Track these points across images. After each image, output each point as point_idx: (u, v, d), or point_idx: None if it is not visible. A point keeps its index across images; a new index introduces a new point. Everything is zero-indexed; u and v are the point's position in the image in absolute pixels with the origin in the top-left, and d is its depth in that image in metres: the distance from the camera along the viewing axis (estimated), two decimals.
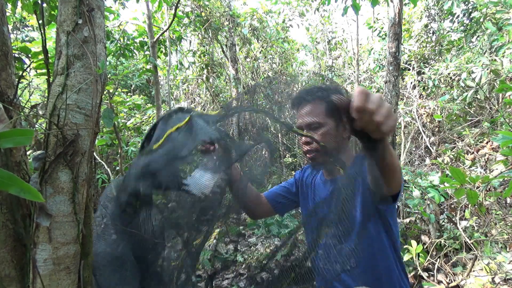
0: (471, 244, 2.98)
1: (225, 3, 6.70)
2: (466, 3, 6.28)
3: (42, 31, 0.97)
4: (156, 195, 0.82)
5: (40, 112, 1.12)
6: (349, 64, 10.34)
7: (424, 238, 3.34)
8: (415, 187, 3.29)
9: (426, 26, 6.84)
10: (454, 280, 2.88)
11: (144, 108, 5.37)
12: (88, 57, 0.84)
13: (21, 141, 0.56)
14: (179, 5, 4.68)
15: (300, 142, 1.21)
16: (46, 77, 0.92)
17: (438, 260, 3.07)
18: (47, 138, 0.79)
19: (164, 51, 5.00)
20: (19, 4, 2.17)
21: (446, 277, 2.95)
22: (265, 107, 1.21)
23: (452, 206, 3.53)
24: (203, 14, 6.07)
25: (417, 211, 3.42)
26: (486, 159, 3.92)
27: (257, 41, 7.81)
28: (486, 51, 5.22)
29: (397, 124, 4.65)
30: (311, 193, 1.31)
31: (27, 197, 0.55)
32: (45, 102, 0.87)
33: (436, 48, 6.78)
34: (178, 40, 5.36)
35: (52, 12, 1.93)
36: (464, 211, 3.34)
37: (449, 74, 5.07)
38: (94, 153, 1.02)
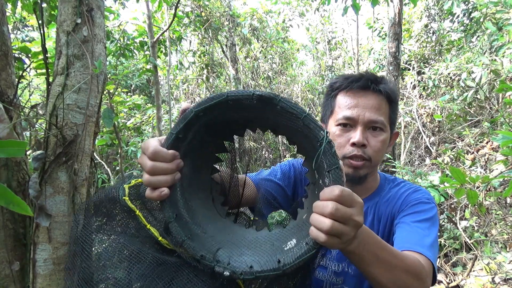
0: (471, 244, 2.98)
1: (225, 3, 6.70)
2: (466, 3, 6.28)
3: (42, 31, 0.97)
4: None
5: (40, 112, 1.12)
6: (349, 64, 10.34)
7: None
8: None
9: (426, 26, 6.84)
10: (454, 280, 2.88)
11: (144, 108, 5.37)
12: (88, 57, 0.84)
13: (13, 152, 0.56)
14: (179, 5, 4.68)
15: (339, 139, 0.91)
16: (46, 76, 0.92)
17: (438, 260, 3.07)
18: (47, 138, 0.79)
19: (164, 51, 5.00)
20: (19, 4, 2.17)
21: (446, 277, 2.95)
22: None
23: (452, 206, 3.53)
24: (203, 14, 6.07)
25: None
26: (486, 159, 3.92)
27: (257, 41, 7.82)
28: (486, 51, 5.22)
29: (397, 124, 4.65)
30: None
31: (16, 210, 0.55)
32: (45, 102, 0.87)
33: (436, 48, 6.78)
34: (178, 40, 5.36)
35: (52, 12, 1.93)
36: (464, 211, 3.34)
37: (449, 74, 5.07)
38: (94, 153, 1.02)
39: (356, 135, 0.88)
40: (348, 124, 0.92)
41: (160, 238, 0.70)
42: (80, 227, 0.72)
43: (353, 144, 0.89)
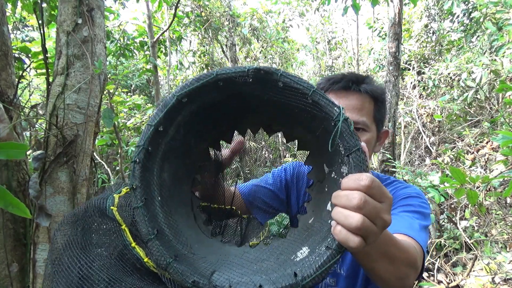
0: (471, 244, 2.98)
1: (225, 3, 6.70)
2: (466, 3, 6.28)
3: (42, 31, 0.97)
4: None
5: (40, 112, 1.12)
6: (349, 64, 10.34)
7: None
8: None
9: (426, 26, 6.84)
10: (454, 280, 2.88)
11: (144, 108, 5.37)
12: (88, 57, 0.84)
13: (14, 154, 0.56)
14: (179, 5, 4.68)
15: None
16: (46, 76, 0.92)
17: (438, 260, 3.07)
18: (47, 138, 0.79)
19: (164, 51, 5.00)
20: (19, 4, 2.17)
21: (446, 277, 2.95)
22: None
23: (452, 206, 3.53)
24: (203, 14, 6.07)
25: None
26: (486, 159, 3.92)
27: (257, 41, 7.82)
28: (486, 51, 5.22)
29: (397, 124, 4.65)
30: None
31: (15, 212, 0.55)
32: (45, 102, 0.87)
33: (436, 48, 6.78)
34: (178, 40, 5.36)
35: (52, 12, 1.93)
36: (464, 211, 3.34)
37: (449, 74, 5.07)
38: (94, 153, 1.01)
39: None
40: None
41: (146, 259, 0.58)
42: (59, 244, 0.61)
43: None
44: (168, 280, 0.55)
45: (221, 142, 0.71)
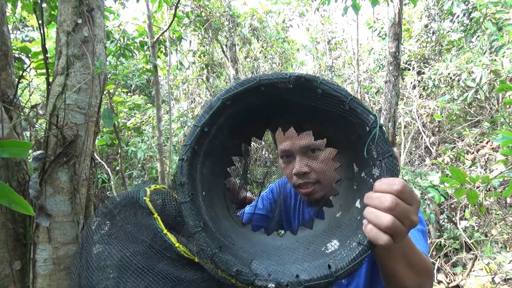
0: (471, 244, 2.98)
1: (225, 3, 6.70)
2: (466, 3, 6.28)
3: (42, 31, 0.97)
4: None
5: (40, 112, 1.12)
6: (349, 64, 10.34)
7: None
8: (415, 187, 3.29)
9: (426, 26, 6.84)
10: (454, 280, 2.88)
11: (144, 108, 5.37)
12: (88, 57, 0.84)
13: (17, 152, 0.56)
14: (179, 5, 4.68)
15: (285, 171, 0.91)
16: (46, 76, 0.92)
17: (438, 260, 3.07)
18: (47, 138, 0.79)
19: (164, 51, 5.00)
20: (19, 4, 2.17)
21: (446, 277, 2.95)
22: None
23: (452, 206, 3.53)
24: (203, 14, 6.07)
25: None
26: (486, 159, 3.92)
27: (257, 41, 7.81)
28: (486, 51, 5.21)
29: (397, 124, 4.65)
30: (299, 223, 1.04)
31: (18, 209, 0.55)
32: (45, 102, 0.87)
33: (436, 48, 6.78)
34: (178, 40, 5.36)
35: (52, 12, 1.93)
36: (464, 211, 3.34)
37: (449, 74, 5.07)
38: (94, 153, 1.02)
39: (295, 166, 0.87)
40: (287, 156, 0.91)
41: (177, 245, 0.62)
42: (86, 231, 0.65)
43: (296, 174, 0.88)
44: (209, 267, 0.58)
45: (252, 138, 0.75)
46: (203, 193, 0.60)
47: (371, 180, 0.55)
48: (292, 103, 0.60)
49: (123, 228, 0.66)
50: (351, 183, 0.65)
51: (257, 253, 0.60)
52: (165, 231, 0.65)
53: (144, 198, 0.69)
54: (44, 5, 1.78)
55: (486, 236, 3.15)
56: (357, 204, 0.59)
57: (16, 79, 0.91)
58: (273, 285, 0.52)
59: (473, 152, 4.21)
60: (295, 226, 1.06)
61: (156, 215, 0.67)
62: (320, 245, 0.59)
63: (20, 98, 0.95)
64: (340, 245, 0.56)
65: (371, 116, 0.55)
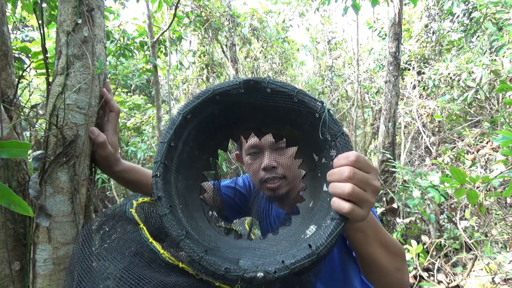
0: (471, 244, 2.98)
1: (225, 3, 6.70)
2: (466, 3, 6.28)
3: (42, 31, 0.97)
4: None
5: (40, 112, 1.12)
6: (349, 64, 10.33)
7: (424, 238, 3.34)
8: (415, 187, 3.29)
9: (426, 26, 6.84)
10: (454, 280, 2.88)
11: (144, 108, 5.37)
12: (88, 57, 0.84)
13: (16, 153, 0.56)
14: (179, 5, 4.68)
15: (252, 167, 0.95)
16: (46, 76, 0.92)
17: (438, 260, 3.07)
18: (47, 138, 0.79)
19: (164, 51, 4.99)
20: (19, 4, 2.17)
21: (446, 277, 2.95)
22: None
23: (452, 206, 3.53)
24: (203, 14, 6.07)
25: (417, 211, 3.42)
26: (486, 159, 3.92)
27: (257, 41, 7.81)
28: (486, 51, 5.21)
29: (397, 124, 4.64)
30: (267, 222, 1.07)
31: (17, 210, 0.55)
32: (45, 102, 0.87)
33: (436, 48, 6.77)
34: (178, 40, 5.36)
35: (52, 12, 1.92)
36: (464, 211, 3.34)
37: (449, 74, 5.07)
38: None
39: (264, 160, 0.91)
40: (255, 151, 0.95)
41: (162, 252, 0.66)
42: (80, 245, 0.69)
43: (264, 169, 0.91)
44: (197, 270, 0.62)
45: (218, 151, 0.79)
46: (180, 206, 0.63)
47: (331, 163, 0.58)
48: (247, 105, 0.64)
49: (114, 241, 0.70)
50: (315, 173, 0.69)
51: (243, 253, 0.63)
52: (150, 239, 0.68)
53: (130, 210, 0.73)
54: (44, 5, 1.77)
55: (486, 236, 3.15)
56: (325, 188, 0.63)
57: (16, 79, 0.91)
58: (262, 274, 0.55)
59: (473, 152, 4.21)
60: (263, 225, 1.10)
61: (141, 225, 0.71)
62: (300, 234, 0.62)
63: (20, 98, 0.95)
64: (317, 228, 0.60)
65: (318, 103, 0.59)
